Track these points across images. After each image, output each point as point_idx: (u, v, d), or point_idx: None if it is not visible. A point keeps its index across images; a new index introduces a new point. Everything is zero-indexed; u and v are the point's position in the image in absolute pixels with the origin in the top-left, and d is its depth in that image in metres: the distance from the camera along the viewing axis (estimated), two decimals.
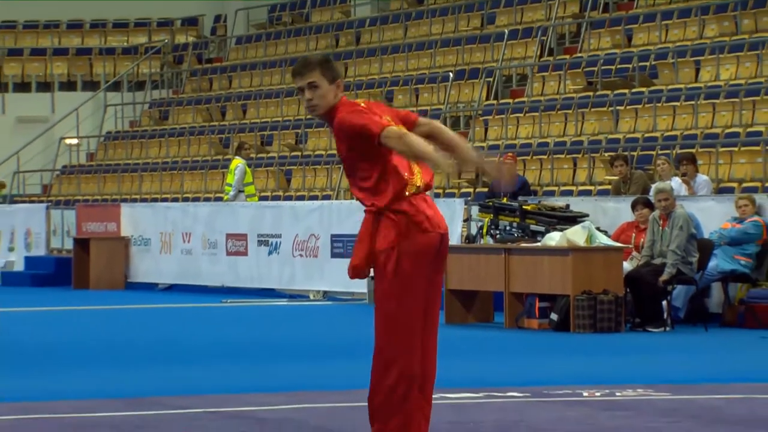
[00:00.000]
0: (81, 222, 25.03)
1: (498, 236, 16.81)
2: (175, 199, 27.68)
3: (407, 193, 7.15)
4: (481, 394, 10.05)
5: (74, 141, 33.40)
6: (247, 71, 32.39)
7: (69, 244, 25.29)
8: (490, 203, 17.51)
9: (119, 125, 33.96)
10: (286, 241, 21.57)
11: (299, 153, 27.68)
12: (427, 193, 7.33)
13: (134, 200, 28.25)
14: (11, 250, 26.61)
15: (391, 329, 7.12)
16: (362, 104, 7.22)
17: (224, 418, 9.03)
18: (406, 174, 7.14)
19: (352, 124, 7.07)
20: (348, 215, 20.72)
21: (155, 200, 27.74)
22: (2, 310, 19.71)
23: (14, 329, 16.82)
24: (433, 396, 9.83)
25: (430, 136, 7.26)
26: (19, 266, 26.20)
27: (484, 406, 9.55)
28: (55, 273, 25.13)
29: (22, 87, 34.91)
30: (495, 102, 25.55)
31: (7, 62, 34.92)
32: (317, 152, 27.21)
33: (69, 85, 34.92)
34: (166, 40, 35.72)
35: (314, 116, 7.34)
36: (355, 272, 7.22)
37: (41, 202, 29.60)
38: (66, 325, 17.61)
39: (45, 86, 34.82)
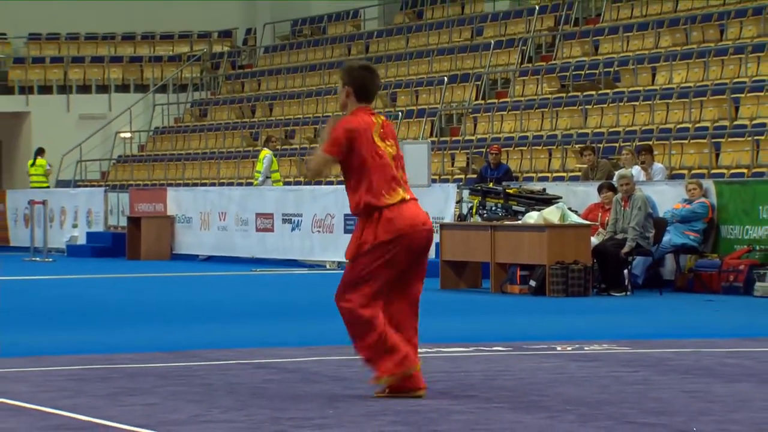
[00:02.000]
0: (133, 203, 25.00)
1: (485, 215, 16.76)
2: (213, 184, 27.63)
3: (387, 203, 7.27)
4: (471, 348, 10.02)
5: (128, 135, 33.36)
6: (274, 76, 32.31)
7: (123, 222, 25.27)
8: (479, 187, 17.45)
9: (166, 121, 33.91)
10: (306, 219, 21.53)
11: (317, 144, 27.59)
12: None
13: (178, 185, 28.20)
14: (75, 226, 26.59)
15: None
16: (378, 121, 7.31)
17: (253, 368, 9.01)
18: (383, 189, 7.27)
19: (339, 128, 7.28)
20: None
21: (196, 185, 27.70)
22: (68, 276, 19.70)
23: (77, 294, 16.81)
24: (430, 350, 9.82)
25: None
26: (82, 240, 26.20)
27: (473, 359, 9.52)
28: (112, 246, 25.12)
29: (84, 89, 34.85)
30: (483, 102, 25.46)
31: (72, 68, 34.86)
32: None
33: (123, 88, 34.86)
34: (205, 50, 35.64)
35: None
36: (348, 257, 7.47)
37: (100, 186, 29.57)
38: (121, 290, 17.60)
39: (103, 88, 34.75)
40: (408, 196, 7.42)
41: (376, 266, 7.35)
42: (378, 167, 7.29)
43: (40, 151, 30.26)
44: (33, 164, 29.76)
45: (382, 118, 7.53)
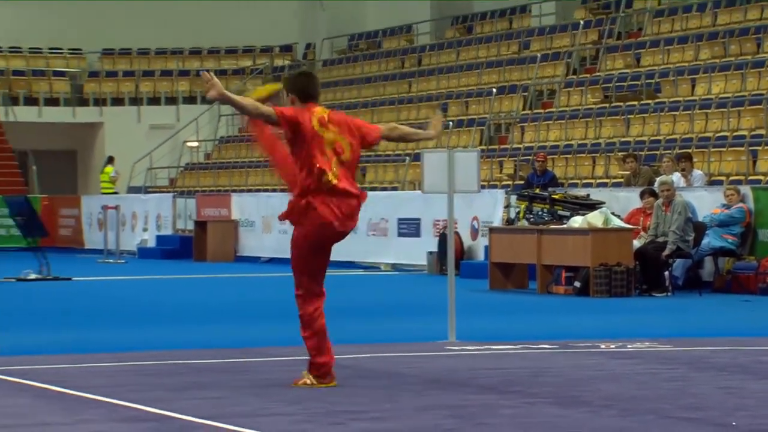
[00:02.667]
0: (200, 208, 25.15)
1: (532, 219, 16.72)
2: (274, 190, 27.74)
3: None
4: (518, 346, 10.00)
5: (195, 144, 33.56)
6: (331, 88, 32.39)
7: (190, 226, 25.43)
8: (526, 193, 17.42)
9: (230, 131, 34.08)
10: (362, 223, 21.57)
11: (373, 153, 27.65)
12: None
13: (242, 191, 28.35)
14: (145, 230, 26.80)
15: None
16: (322, 113, 7.77)
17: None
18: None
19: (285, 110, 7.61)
20: (411, 202, 20.68)
21: (258, 191, 27.82)
22: (139, 277, 19.86)
23: (148, 293, 16.95)
24: (480, 347, 9.82)
25: (392, 131, 7.89)
26: (152, 243, 26.39)
27: (520, 356, 9.51)
28: (179, 248, 25.28)
29: (154, 101, 35.13)
30: (530, 112, 25.40)
31: (143, 81, 35.15)
32: (387, 152, 27.16)
33: (191, 99, 35.09)
34: (267, 63, 35.79)
35: None
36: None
37: (169, 192, 29.78)
38: (188, 290, 17.71)
39: (172, 100, 35.00)
40: (327, 187, 7.56)
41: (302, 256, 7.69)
42: (313, 153, 7.60)
43: (110, 160, 30.56)
44: (110, 171, 30.11)
45: (327, 111, 7.85)
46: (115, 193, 30.10)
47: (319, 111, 7.72)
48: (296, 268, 7.80)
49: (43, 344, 10.28)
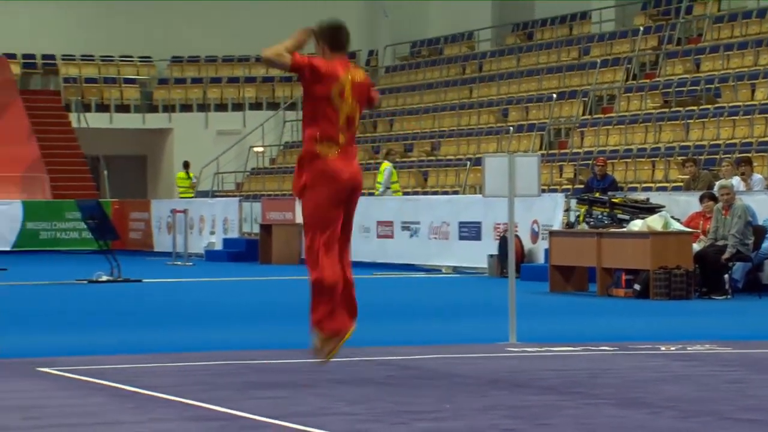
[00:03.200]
0: (265, 211, 25.27)
1: (592, 223, 16.62)
2: None
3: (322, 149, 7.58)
4: (578, 348, 9.94)
5: (260, 149, 33.74)
6: (393, 93, 32.42)
7: (256, 229, 25.56)
8: (586, 197, 17.31)
9: (295, 137, 34.22)
10: (424, 227, 21.56)
11: (434, 157, 27.63)
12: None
13: None
14: (212, 233, 26.98)
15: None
16: (348, 77, 7.69)
17: (375, 365, 9.05)
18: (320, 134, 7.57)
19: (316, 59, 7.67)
20: (472, 206, 20.64)
21: None
22: (206, 279, 19.99)
23: (215, 295, 17.05)
24: (540, 349, 9.78)
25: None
26: (219, 246, 26.56)
27: (581, 357, 9.45)
28: (246, 251, 25.42)
29: (221, 107, 35.37)
30: (589, 117, 25.25)
31: (210, 88, 35.40)
32: (448, 157, 27.13)
33: (257, 106, 35.28)
34: None
35: None
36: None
37: (235, 196, 29.97)
38: (254, 291, 17.80)
39: (238, 106, 35.22)
40: (334, 155, 7.59)
41: (314, 205, 7.62)
42: (324, 118, 7.58)
43: (186, 165, 30.81)
44: (182, 176, 30.39)
45: (357, 73, 7.77)
46: (194, 197, 30.34)
47: (342, 79, 7.69)
48: (308, 223, 7.70)
49: (114, 344, 10.38)
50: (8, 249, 27.71)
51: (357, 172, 7.79)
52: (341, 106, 7.68)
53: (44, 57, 35.33)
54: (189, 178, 30.78)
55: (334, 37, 7.81)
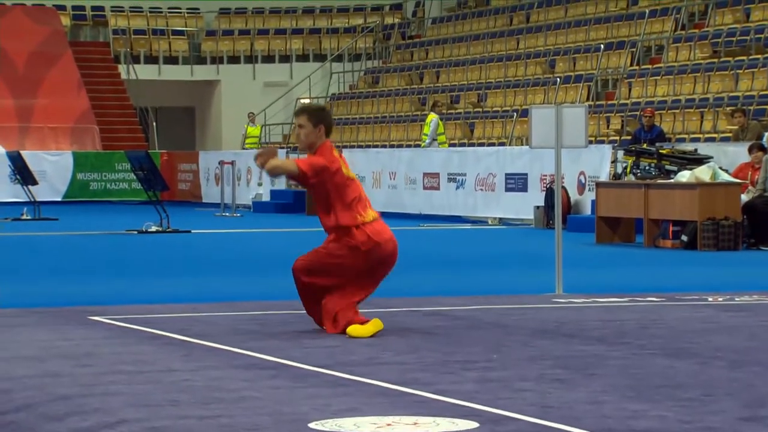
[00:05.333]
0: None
1: (639, 174, 16.50)
2: (384, 146, 27.77)
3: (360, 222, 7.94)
4: (625, 299, 9.90)
5: (307, 101, 33.72)
6: (440, 45, 32.25)
7: None
8: (633, 148, 17.18)
9: (341, 88, 34.18)
10: (470, 178, 21.50)
11: (480, 109, 27.50)
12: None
13: (352, 146, 28.43)
14: (260, 185, 27.06)
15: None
16: (336, 154, 8.02)
17: (422, 315, 9.07)
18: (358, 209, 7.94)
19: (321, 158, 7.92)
20: (519, 157, 20.54)
21: (368, 146, 27.88)
22: (254, 230, 20.07)
23: (263, 245, 17.12)
24: (587, 300, 9.75)
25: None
26: (266, 197, 26.64)
27: (628, 308, 9.41)
28: (293, 203, 25.48)
29: (268, 59, 35.35)
30: (637, 68, 25.00)
31: (257, 40, 35.38)
32: (494, 108, 26.99)
33: (303, 57, 35.24)
34: (378, 21, 35.75)
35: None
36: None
37: (282, 148, 30.00)
38: (301, 242, 17.82)
39: (285, 58, 35.19)
40: (377, 215, 8.11)
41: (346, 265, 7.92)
42: (353, 190, 7.98)
43: (252, 117, 30.90)
44: (250, 127, 30.50)
45: (338, 151, 8.27)
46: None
47: (336, 154, 8.14)
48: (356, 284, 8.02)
49: (164, 294, 10.46)
50: (59, 199, 27.95)
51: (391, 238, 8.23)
52: (352, 176, 8.17)
53: (93, 9, 35.41)
54: (257, 129, 30.85)
55: (330, 123, 8.16)
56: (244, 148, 28.95)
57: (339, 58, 34.73)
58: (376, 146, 27.68)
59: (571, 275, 10.64)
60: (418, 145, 24.68)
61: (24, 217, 22.11)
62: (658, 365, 6.72)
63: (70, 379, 6.30)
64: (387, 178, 23.51)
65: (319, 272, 7.98)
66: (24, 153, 24.93)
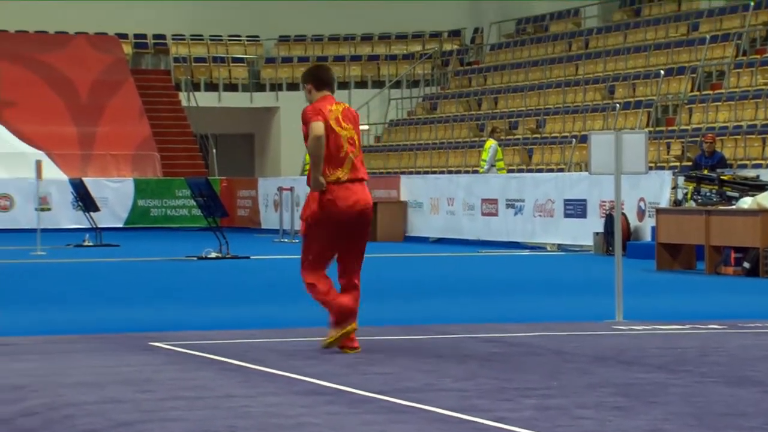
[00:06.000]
0: (371, 189, 25.31)
1: (700, 201, 16.36)
2: (442, 172, 27.77)
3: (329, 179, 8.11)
4: (687, 326, 9.80)
5: (365, 127, 33.79)
6: (499, 71, 32.24)
7: None
8: (694, 174, 17.05)
9: (399, 114, 34.25)
10: (529, 204, 21.43)
11: (539, 135, 27.43)
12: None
13: (410, 172, 28.46)
14: None
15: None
16: (338, 108, 8.21)
17: (480, 342, 9.03)
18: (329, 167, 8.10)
19: (305, 112, 8.21)
20: (578, 183, 20.44)
21: (426, 173, 27.89)
22: None
23: None
24: (647, 327, 9.66)
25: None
26: None
27: (689, 336, 9.31)
28: None
29: None
30: (698, 93, 24.83)
31: None
32: (553, 134, 26.91)
33: (362, 84, 35.38)
34: (436, 48, 35.83)
35: None
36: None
37: None
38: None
39: (344, 85, 35.34)
40: (345, 177, 8.16)
41: (313, 241, 8.23)
42: (326, 146, 8.09)
43: None
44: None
45: (343, 105, 8.34)
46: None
47: (334, 110, 8.23)
48: (309, 244, 8.32)
49: (223, 319, 10.51)
50: (121, 226, 28.23)
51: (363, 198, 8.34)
52: (341, 133, 8.26)
53: (155, 37, 35.83)
54: None
55: (319, 76, 8.36)
56: (302, 174, 29.07)
57: (397, 85, 34.83)
58: (434, 172, 27.68)
59: (631, 302, 10.56)
60: (476, 171, 24.65)
61: (86, 243, 22.35)
62: (720, 393, 6.63)
63: (131, 405, 6.34)
64: (445, 204, 23.50)
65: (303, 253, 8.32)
66: (86, 180, 25.22)
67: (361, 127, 32.46)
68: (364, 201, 8.28)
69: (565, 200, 20.56)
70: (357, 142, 8.27)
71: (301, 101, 35.57)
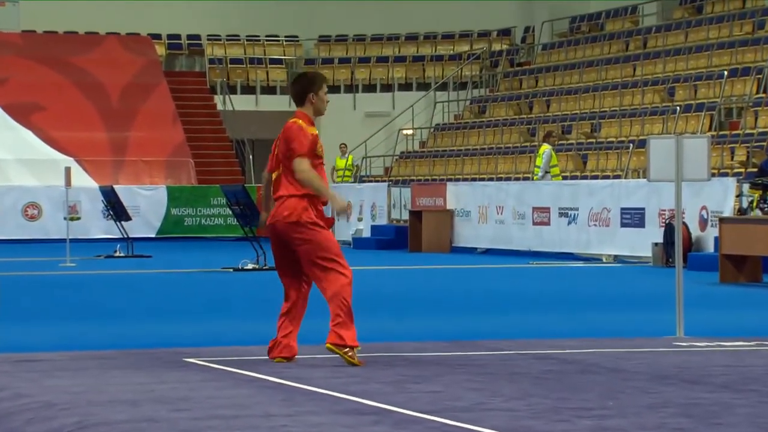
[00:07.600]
0: (415, 197, 25.37)
1: (766, 209, 16.24)
2: (491, 179, 27.75)
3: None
4: (752, 343, 9.73)
5: (410, 131, 33.86)
6: (551, 72, 32.18)
7: (405, 215, 25.68)
8: (760, 181, 16.94)
9: (446, 118, 34.26)
10: (583, 213, 21.36)
11: (594, 140, 27.34)
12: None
13: (457, 179, 28.46)
14: (360, 220, 27.20)
15: None
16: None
17: (533, 359, 9.00)
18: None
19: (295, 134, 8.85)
20: (635, 191, 20.36)
21: (474, 179, 27.88)
22: (354, 268, 20.11)
23: (363, 284, 17.15)
24: (711, 344, 9.60)
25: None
26: (367, 233, 26.77)
27: (756, 353, 9.25)
28: (394, 238, 25.57)
29: (369, 88, 35.60)
30: (764, 95, 24.66)
31: (358, 68, 35.67)
32: (609, 139, 26.81)
33: (406, 86, 35.43)
34: (485, 48, 35.81)
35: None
36: None
37: (383, 181, 30.13)
38: (403, 280, 17.88)
39: (387, 87, 35.41)
40: (285, 192, 8.82)
41: (327, 239, 9.37)
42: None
43: (344, 148, 31.08)
44: (340, 159, 30.72)
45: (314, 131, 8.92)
46: (353, 182, 30.60)
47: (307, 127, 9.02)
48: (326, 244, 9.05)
49: (262, 334, 10.54)
50: (153, 235, 28.39)
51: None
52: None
53: (189, 37, 36.05)
54: (347, 161, 31.05)
55: (293, 93, 9.02)
56: (333, 182, 29.15)
57: (443, 87, 34.84)
58: (482, 179, 27.66)
59: (693, 317, 10.51)
60: (527, 178, 24.61)
61: (117, 254, 22.51)
62: None
63: (166, 424, 6.38)
64: (494, 212, 23.48)
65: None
66: (117, 187, 25.40)
67: (405, 132, 32.30)
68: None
69: (622, 209, 20.48)
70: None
71: (340, 105, 35.63)
